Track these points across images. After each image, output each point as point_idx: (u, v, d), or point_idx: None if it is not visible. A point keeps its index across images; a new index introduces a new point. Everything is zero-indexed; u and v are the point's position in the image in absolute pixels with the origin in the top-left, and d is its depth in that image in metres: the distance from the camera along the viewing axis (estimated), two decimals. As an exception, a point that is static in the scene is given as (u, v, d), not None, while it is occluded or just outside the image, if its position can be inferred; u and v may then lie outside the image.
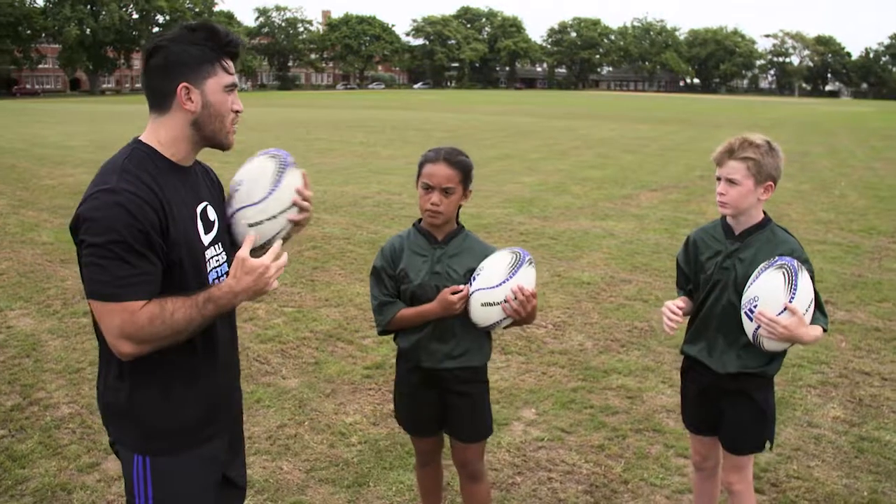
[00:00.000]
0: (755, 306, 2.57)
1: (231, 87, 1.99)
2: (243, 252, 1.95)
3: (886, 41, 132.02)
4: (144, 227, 1.83)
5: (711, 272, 2.79)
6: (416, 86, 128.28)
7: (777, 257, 2.61)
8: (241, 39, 2.02)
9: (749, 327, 2.63)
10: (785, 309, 2.52)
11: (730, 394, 2.81)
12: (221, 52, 1.96)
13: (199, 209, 2.03)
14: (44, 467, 3.77)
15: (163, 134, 1.97)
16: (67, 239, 8.55)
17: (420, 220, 2.85)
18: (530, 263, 2.69)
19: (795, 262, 2.57)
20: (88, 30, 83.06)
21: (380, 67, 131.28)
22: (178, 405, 2.02)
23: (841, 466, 3.89)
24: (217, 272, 2.06)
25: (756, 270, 2.63)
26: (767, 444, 2.89)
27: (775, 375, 2.86)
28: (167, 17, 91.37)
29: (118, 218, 1.80)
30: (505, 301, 2.62)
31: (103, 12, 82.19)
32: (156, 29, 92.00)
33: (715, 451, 3.01)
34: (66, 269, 7.48)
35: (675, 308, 2.81)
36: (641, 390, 4.76)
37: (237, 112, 2.03)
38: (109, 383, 2.01)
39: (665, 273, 7.52)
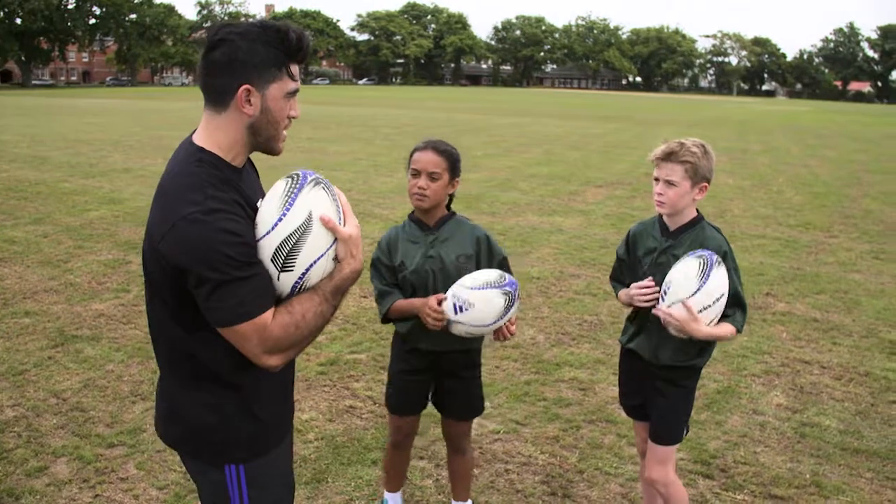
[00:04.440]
0: (668, 289, 2.71)
1: (292, 94, 1.87)
2: (353, 230, 1.88)
3: (819, 43, 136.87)
4: (246, 239, 1.76)
5: (647, 268, 2.89)
6: (360, 81, 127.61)
7: (706, 251, 2.72)
8: (311, 43, 1.89)
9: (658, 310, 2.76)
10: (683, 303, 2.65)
11: (664, 382, 2.91)
12: (291, 56, 1.83)
13: (257, 206, 1.95)
14: (-12, 472, 3.65)
15: (221, 137, 1.85)
16: (5, 237, 8.34)
17: (413, 211, 2.99)
18: (517, 305, 2.74)
19: (715, 257, 2.68)
20: (18, 18, 79.97)
21: (324, 63, 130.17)
22: (269, 408, 1.99)
23: (785, 451, 4.04)
24: None
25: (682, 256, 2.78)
26: (685, 431, 3.00)
27: (704, 367, 2.97)
28: (104, 10, 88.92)
29: (221, 241, 1.71)
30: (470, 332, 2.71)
31: None
32: (92, 20, 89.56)
33: None
34: (4, 267, 7.24)
35: (645, 283, 2.85)
36: (593, 382, 4.85)
37: (292, 118, 1.91)
38: (199, 402, 1.92)
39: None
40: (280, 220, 1.79)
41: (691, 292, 2.64)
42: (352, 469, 3.74)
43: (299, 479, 3.63)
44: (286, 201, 1.81)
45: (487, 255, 2.95)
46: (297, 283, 1.82)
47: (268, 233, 1.80)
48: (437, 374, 3.05)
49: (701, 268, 2.66)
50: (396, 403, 3.14)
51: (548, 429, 4.21)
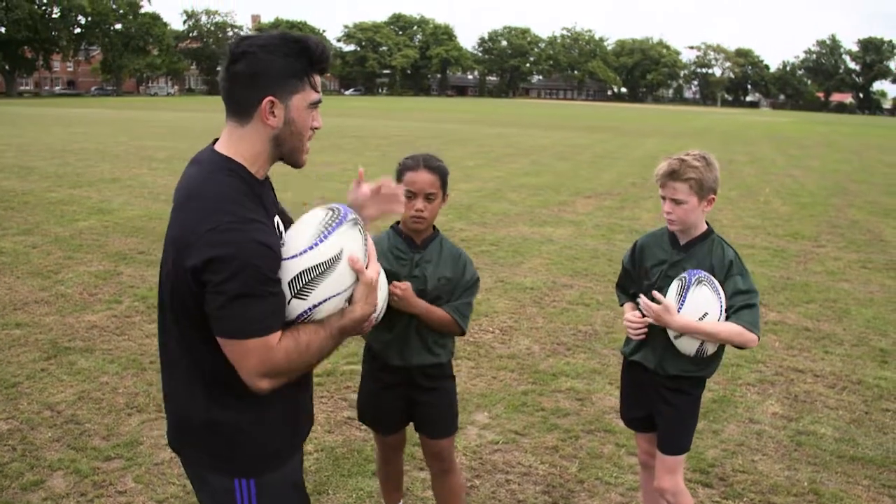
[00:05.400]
0: None
1: (315, 105, 1.88)
2: (375, 275, 1.89)
3: (802, 55, 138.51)
4: (276, 254, 1.76)
5: (656, 279, 2.89)
6: (347, 92, 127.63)
7: (688, 271, 2.77)
8: (331, 54, 1.89)
9: None
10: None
11: (670, 392, 2.91)
12: (312, 67, 1.84)
13: (274, 220, 1.95)
14: (-16, 486, 3.61)
15: (245, 149, 1.85)
16: (-5, 248, 8.26)
17: (397, 222, 2.92)
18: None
19: (694, 277, 2.72)
20: (2, 27, 79.53)
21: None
22: (283, 423, 1.98)
23: (782, 459, 4.07)
24: None
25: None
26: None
27: (709, 378, 3.00)
28: (89, 19, 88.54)
29: (254, 251, 1.70)
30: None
31: (16, 8, 78.35)
32: (77, 30, 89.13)
33: None
34: (-7, 279, 7.17)
35: (636, 318, 2.91)
36: (590, 392, 4.87)
37: (315, 129, 1.92)
38: (214, 411, 1.89)
39: (605, 278, 7.70)
40: (311, 248, 1.81)
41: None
42: (352, 481, 3.73)
43: (299, 490, 3.62)
44: (322, 232, 1.83)
45: (461, 275, 2.90)
46: (305, 312, 1.82)
47: (294, 256, 1.80)
48: (409, 390, 2.95)
49: (678, 289, 2.74)
50: (376, 423, 3.09)
51: (547, 439, 4.22)
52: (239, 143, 1.86)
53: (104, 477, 3.71)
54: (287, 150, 1.89)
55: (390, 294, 2.71)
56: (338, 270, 1.82)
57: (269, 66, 1.79)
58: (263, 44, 1.80)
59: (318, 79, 1.87)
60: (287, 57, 1.80)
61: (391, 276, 2.79)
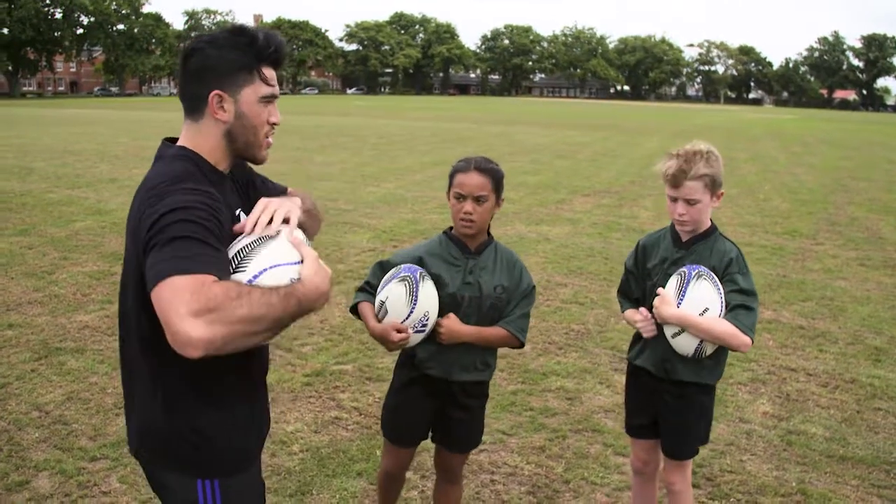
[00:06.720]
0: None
1: (269, 98, 1.86)
2: (312, 251, 1.81)
3: (805, 52, 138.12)
4: (218, 222, 1.71)
5: (657, 279, 2.84)
6: (349, 91, 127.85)
7: (686, 266, 2.71)
8: (285, 46, 1.88)
9: None
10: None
11: (674, 399, 2.87)
12: (262, 59, 1.82)
13: (235, 214, 1.93)
14: (-32, 487, 3.61)
15: (201, 142, 1.86)
16: (-11, 248, 8.27)
17: (450, 227, 2.85)
18: (424, 278, 2.67)
19: (693, 272, 2.66)
20: (6, 29, 79.78)
21: (313, 73, 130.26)
22: (245, 424, 1.95)
23: (771, 459, 4.04)
24: None
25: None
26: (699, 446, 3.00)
27: (716, 382, 2.95)
28: (91, 18, 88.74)
29: (195, 208, 1.66)
30: (423, 326, 2.65)
31: (21, 7, 78.60)
32: (80, 31, 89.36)
33: (655, 454, 3.08)
34: (-13, 279, 7.17)
35: (641, 316, 2.86)
36: (580, 391, 4.85)
37: (273, 124, 1.90)
38: (177, 414, 1.85)
39: (600, 276, 7.68)
40: (248, 233, 1.81)
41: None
42: (337, 481, 3.72)
43: (284, 491, 3.61)
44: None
45: (518, 283, 2.80)
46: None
47: (234, 243, 1.80)
48: (443, 403, 2.85)
49: (678, 284, 2.67)
50: (400, 433, 2.94)
51: (534, 438, 4.20)
52: (195, 137, 1.87)
53: (89, 477, 3.70)
54: (241, 144, 1.88)
55: (437, 334, 2.69)
56: (275, 241, 1.78)
57: (217, 61, 1.79)
58: (211, 39, 1.81)
59: (270, 72, 1.86)
60: (234, 50, 1.79)
61: (443, 283, 2.72)
